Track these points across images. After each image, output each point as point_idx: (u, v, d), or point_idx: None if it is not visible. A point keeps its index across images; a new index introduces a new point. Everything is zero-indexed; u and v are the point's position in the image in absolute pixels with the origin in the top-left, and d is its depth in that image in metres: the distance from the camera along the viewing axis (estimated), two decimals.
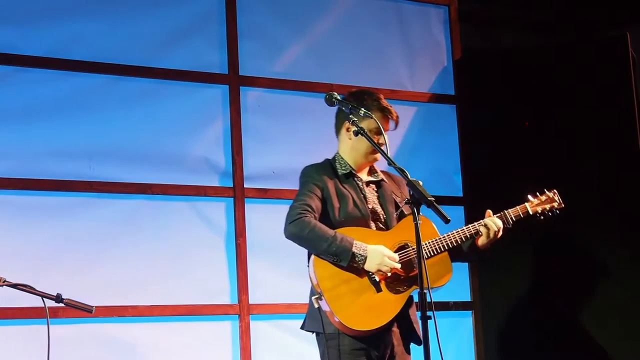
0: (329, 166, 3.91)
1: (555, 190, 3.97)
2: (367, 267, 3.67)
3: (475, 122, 6.02)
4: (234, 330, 5.18)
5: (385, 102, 3.92)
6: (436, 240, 3.77)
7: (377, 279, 3.70)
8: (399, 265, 3.67)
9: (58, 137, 4.92)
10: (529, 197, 3.93)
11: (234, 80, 5.41)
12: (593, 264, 5.62)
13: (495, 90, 5.96)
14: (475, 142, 6.00)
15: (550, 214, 3.93)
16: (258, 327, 5.21)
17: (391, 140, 3.47)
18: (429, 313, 3.13)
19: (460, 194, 6.02)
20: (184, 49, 5.32)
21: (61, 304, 3.52)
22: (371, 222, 3.81)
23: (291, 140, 5.45)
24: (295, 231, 3.71)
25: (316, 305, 3.67)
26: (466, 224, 5.85)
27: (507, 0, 6.68)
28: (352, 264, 3.67)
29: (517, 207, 3.87)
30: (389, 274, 3.68)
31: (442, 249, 3.75)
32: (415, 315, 3.80)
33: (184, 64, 5.30)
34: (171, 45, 5.29)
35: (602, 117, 5.73)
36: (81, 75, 5.02)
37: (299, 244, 3.77)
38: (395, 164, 3.35)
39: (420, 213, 3.36)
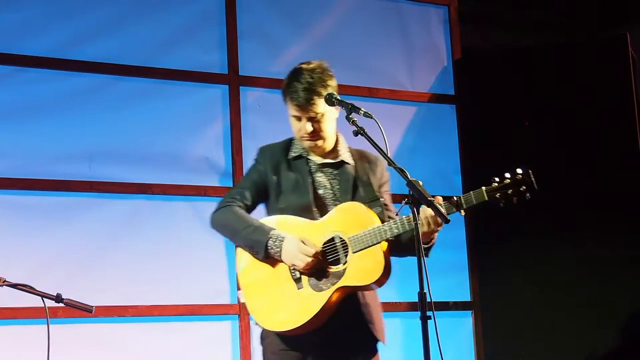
0: (285, 146, 3.65)
1: (529, 171, 3.30)
2: (284, 259, 3.42)
3: (475, 122, 6.02)
4: (234, 330, 5.18)
5: (298, 81, 3.48)
6: (369, 231, 3.39)
7: (298, 275, 3.44)
8: (310, 259, 3.38)
9: (58, 137, 4.92)
10: (495, 178, 3.35)
11: (233, 80, 5.41)
12: (593, 264, 5.62)
13: (495, 90, 5.95)
14: (475, 142, 6.00)
15: (515, 198, 3.29)
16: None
17: (391, 140, 3.42)
18: (428, 313, 3.10)
19: (460, 194, 6.00)
20: (184, 49, 5.32)
21: (61, 304, 3.51)
22: (315, 209, 3.52)
23: None
24: (217, 220, 3.59)
25: (242, 300, 3.47)
26: (466, 225, 5.97)
27: (507, 0, 6.68)
28: (269, 256, 3.44)
29: (472, 191, 3.35)
30: (307, 269, 3.41)
31: (374, 242, 3.38)
32: (372, 313, 3.53)
33: (184, 64, 5.30)
34: (171, 45, 5.30)
35: (602, 117, 5.73)
36: (81, 75, 5.03)
37: (222, 235, 3.62)
38: (394, 164, 3.31)
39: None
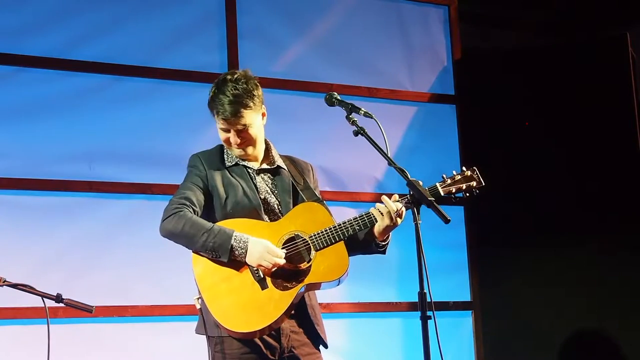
0: (218, 153, 3.66)
1: (474, 168, 3.57)
2: (248, 261, 3.37)
3: (475, 122, 6.02)
4: None
5: (223, 94, 3.53)
6: (330, 229, 3.43)
7: (262, 275, 3.39)
8: (282, 261, 3.37)
9: (58, 137, 4.92)
10: (443, 176, 3.57)
11: None
12: (593, 264, 5.62)
13: (495, 90, 5.96)
14: (475, 142, 6.00)
15: (467, 194, 3.56)
16: None
17: (391, 140, 3.42)
18: (428, 313, 3.10)
19: (460, 194, 6.00)
20: (184, 49, 5.32)
21: (61, 304, 3.51)
22: (263, 213, 3.50)
23: (291, 140, 5.42)
24: (170, 228, 3.47)
25: (198, 306, 3.43)
26: (466, 225, 5.97)
27: (507, 0, 6.68)
28: (232, 258, 3.38)
29: (427, 187, 3.46)
30: (272, 270, 3.38)
31: (337, 240, 3.42)
32: (317, 315, 3.55)
33: (185, 64, 5.30)
34: (171, 46, 5.30)
35: (602, 117, 5.73)
36: (81, 75, 5.03)
37: (175, 242, 3.51)
38: (395, 164, 3.32)
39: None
